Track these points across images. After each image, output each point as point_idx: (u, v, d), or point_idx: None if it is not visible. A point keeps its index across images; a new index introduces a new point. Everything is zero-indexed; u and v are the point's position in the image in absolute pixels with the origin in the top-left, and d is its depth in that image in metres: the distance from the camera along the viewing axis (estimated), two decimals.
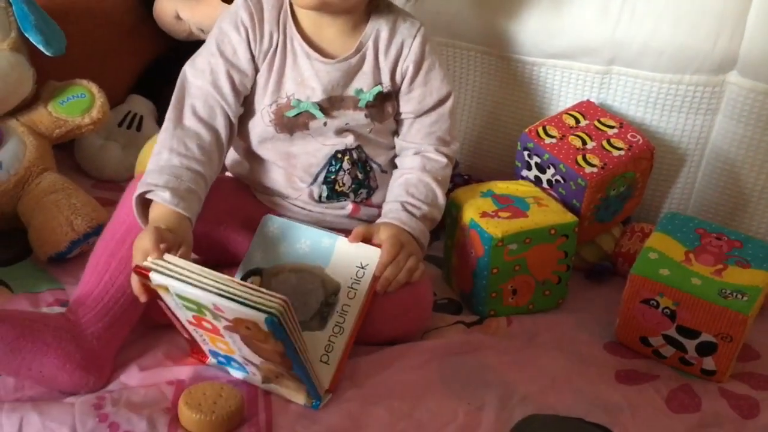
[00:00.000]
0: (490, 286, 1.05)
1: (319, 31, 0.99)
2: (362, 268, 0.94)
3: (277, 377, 0.88)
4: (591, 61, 1.20)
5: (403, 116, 1.04)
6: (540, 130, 1.15)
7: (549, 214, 1.06)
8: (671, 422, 0.91)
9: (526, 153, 1.16)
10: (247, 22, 0.98)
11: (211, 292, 0.79)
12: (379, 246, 0.95)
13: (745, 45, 1.12)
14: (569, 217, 1.06)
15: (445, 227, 1.14)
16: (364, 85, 1.00)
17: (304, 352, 0.83)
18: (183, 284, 0.80)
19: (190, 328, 0.89)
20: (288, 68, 0.99)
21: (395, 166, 1.06)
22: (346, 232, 0.98)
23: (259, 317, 0.78)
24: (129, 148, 1.35)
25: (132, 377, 0.91)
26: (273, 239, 0.98)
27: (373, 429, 0.86)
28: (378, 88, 1.00)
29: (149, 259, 0.83)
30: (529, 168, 1.17)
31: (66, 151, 1.33)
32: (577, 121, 1.16)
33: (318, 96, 0.99)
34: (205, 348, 0.92)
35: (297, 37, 0.99)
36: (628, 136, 1.14)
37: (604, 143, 1.13)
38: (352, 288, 0.94)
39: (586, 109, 1.18)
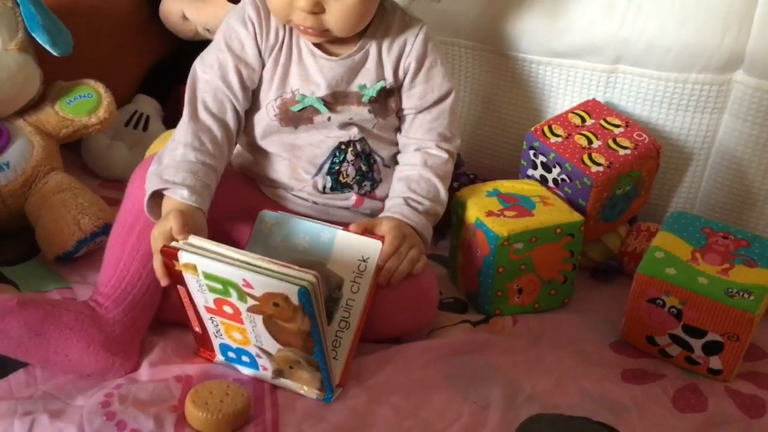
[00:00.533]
0: (496, 285, 1.05)
1: None
2: (364, 261, 0.94)
3: (291, 367, 0.88)
4: (597, 60, 1.20)
5: (405, 112, 1.05)
6: (546, 129, 1.15)
7: (555, 213, 1.06)
8: (678, 422, 0.91)
9: (531, 152, 1.16)
10: (254, 17, 1.00)
11: (242, 267, 0.81)
12: (380, 237, 0.95)
13: (752, 43, 1.11)
14: (575, 216, 1.06)
15: (450, 226, 1.14)
16: (367, 81, 1.01)
17: (325, 337, 0.84)
18: (213, 261, 0.82)
19: (206, 317, 0.89)
20: (293, 64, 1.01)
21: (398, 163, 1.07)
22: (347, 225, 0.98)
23: (292, 290, 0.79)
24: (136, 148, 1.35)
25: (140, 372, 0.92)
26: (271, 235, 0.98)
27: (379, 427, 0.86)
28: (381, 84, 1.01)
29: (178, 239, 0.86)
30: (535, 167, 1.17)
31: (73, 151, 1.33)
32: (583, 120, 1.16)
33: (322, 91, 1.00)
34: (215, 343, 0.92)
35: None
36: (634, 135, 1.14)
37: (610, 142, 1.13)
38: (354, 282, 0.94)
39: (591, 108, 1.18)
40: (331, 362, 0.88)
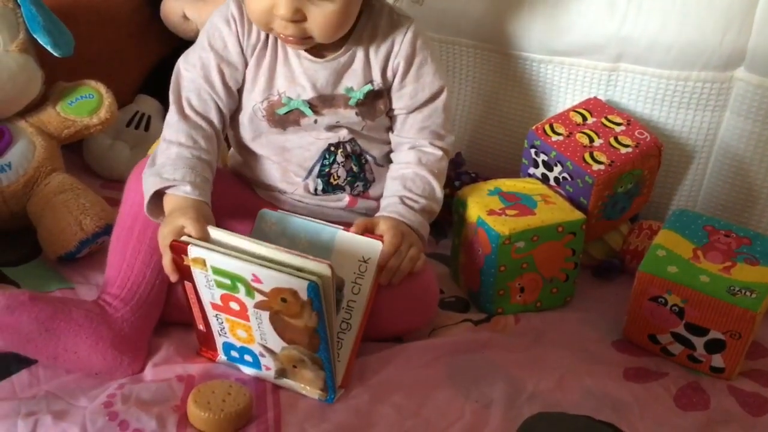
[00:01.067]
0: (498, 283, 1.05)
1: None
2: (365, 262, 0.94)
3: (295, 366, 0.88)
4: (598, 59, 1.20)
5: (395, 112, 1.03)
6: (547, 127, 1.15)
7: (556, 211, 1.06)
8: (680, 420, 0.91)
9: (533, 150, 1.16)
10: (236, 15, 0.99)
11: (251, 262, 0.81)
12: (379, 237, 0.95)
13: (753, 41, 1.11)
14: (577, 215, 1.06)
15: (452, 225, 1.14)
16: (354, 83, 1.00)
17: (332, 334, 0.84)
18: (222, 256, 0.82)
19: (211, 314, 0.89)
20: (279, 65, 1.00)
21: (391, 161, 1.06)
22: (345, 224, 0.98)
23: (301, 285, 0.79)
24: (137, 148, 1.35)
25: (143, 372, 0.92)
26: (271, 235, 0.98)
27: (381, 427, 0.86)
28: (368, 87, 1.00)
29: (186, 233, 0.86)
30: (536, 166, 1.17)
31: (75, 152, 1.33)
32: (584, 119, 1.16)
33: (308, 94, 0.99)
34: (218, 342, 0.92)
35: None
36: (636, 133, 1.14)
37: (612, 140, 1.13)
38: (355, 283, 0.94)
39: (593, 106, 1.18)
40: (336, 361, 0.88)
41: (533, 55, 1.24)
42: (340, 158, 1.02)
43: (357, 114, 1.00)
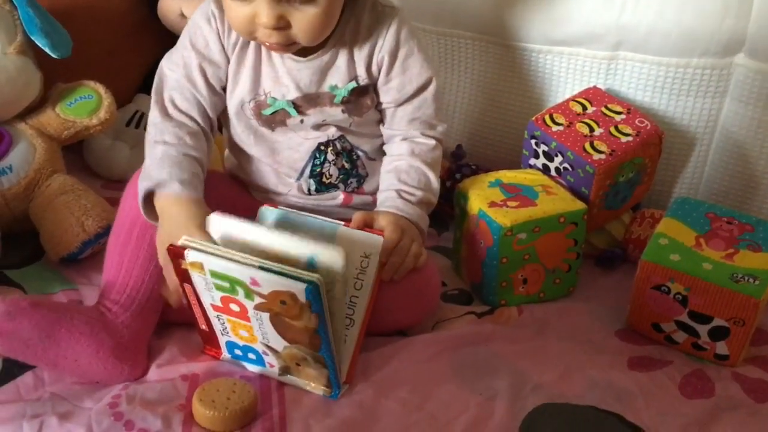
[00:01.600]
0: (500, 275, 1.05)
1: None
2: (366, 257, 0.94)
3: (298, 364, 0.88)
4: (597, 47, 1.20)
5: (384, 106, 1.02)
6: (547, 117, 1.15)
7: (558, 202, 1.06)
8: (685, 408, 0.91)
9: (533, 141, 1.16)
10: (216, 12, 0.97)
11: (249, 265, 0.81)
12: (379, 232, 0.95)
13: (752, 26, 1.11)
14: (578, 205, 1.06)
15: (453, 217, 1.14)
16: (338, 80, 0.98)
17: (333, 334, 0.84)
18: (220, 260, 0.82)
19: (213, 315, 0.89)
20: (264, 65, 0.99)
21: (384, 154, 1.05)
22: (343, 220, 0.97)
23: (299, 287, 0.79)
24: (137, 148, 1.35)
25: (147, 373, 0.92)
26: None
27: (386, 421, 0.86)
28: (353, 84, 0.98)
29: (183, 237, 0.86)
30: (537, 156, 1.16)
31: (75, 153, 1.33)
32: (584, 108, 1.16)
33: (293, 94, 0.98)
34: (221, 340, 0.92)
35: None
36: (636, 121, 1.13)
37: (612, 129, 1.12)
38: (358, 279, 0.93)
39: (593, 95, 1.18)
40: (338, 359, 0.88)
41: (532, 45, 1.24)
42: (330, 156, 1.01)
43: (343, 111, 0.99)
